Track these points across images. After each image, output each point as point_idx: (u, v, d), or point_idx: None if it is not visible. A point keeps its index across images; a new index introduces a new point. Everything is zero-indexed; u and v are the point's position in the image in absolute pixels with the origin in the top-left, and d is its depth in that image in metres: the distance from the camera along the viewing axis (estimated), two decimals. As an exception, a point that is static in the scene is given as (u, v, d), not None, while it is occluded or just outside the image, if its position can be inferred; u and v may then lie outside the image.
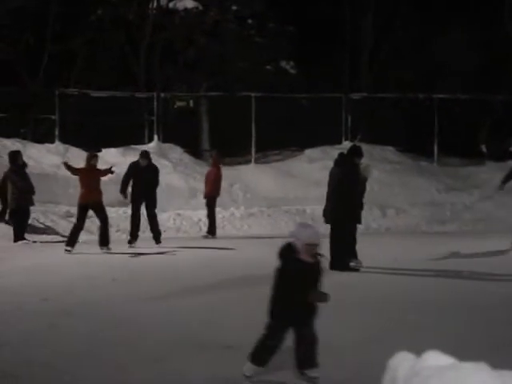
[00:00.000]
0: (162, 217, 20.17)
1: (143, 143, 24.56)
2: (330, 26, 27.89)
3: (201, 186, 20.29)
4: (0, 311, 9.82)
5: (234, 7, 27.27)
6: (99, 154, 22.51)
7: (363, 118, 26.70)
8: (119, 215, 19.71)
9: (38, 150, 22.75)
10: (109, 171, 16.01)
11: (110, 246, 15.65)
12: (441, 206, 22.48)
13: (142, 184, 16.56)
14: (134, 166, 16.92)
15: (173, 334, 8.56)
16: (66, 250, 15.28)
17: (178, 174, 22.79)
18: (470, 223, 21.49)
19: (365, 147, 23.47)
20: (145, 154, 17.06)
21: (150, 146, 23.96)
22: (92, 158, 16.00)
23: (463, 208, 22.42)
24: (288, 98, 26.26)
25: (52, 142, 23.40)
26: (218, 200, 19.52)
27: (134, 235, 16.78)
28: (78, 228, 15.57)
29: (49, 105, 24.14)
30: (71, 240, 15.46)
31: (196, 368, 7.19)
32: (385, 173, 23.58)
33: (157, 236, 16.99)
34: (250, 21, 27.77)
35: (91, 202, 15.53)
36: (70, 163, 16.53)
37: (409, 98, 26.24)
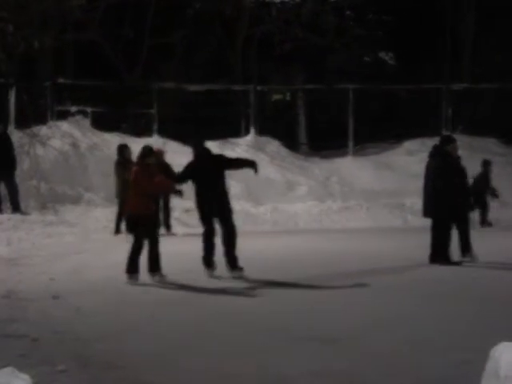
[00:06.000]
0: (258, 210, 20.14)
1: (240, 136, 24.59)
2: (430, 16, 27.37)
3: (298, 179, 20.09)
4: (107, 303, 9.92)
5: (332, -1, 27.04)
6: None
7: (464, 109, 26.10)
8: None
9: (138, 143, 22.97)
10: None
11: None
12: (547, 199, 21.80)
13: None
14: None
15: (271, 326, 8.52)
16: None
17: (275, 167, 22.71)
18: None
19: (466, 139, 23.18)
20: None
21: (247, 139, 23.98)
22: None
23: None
24: (386, 89, 25.91)
25: (150, 135, 23.62)
26: (314, 193, 19.29)
27: None
28: None
29: (147, 99, 24.38)
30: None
31: (295, 361, 7.09)
32: (487, 165, 23.00)
33: None
34: (348, 12, 27.49)
35: None
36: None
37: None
